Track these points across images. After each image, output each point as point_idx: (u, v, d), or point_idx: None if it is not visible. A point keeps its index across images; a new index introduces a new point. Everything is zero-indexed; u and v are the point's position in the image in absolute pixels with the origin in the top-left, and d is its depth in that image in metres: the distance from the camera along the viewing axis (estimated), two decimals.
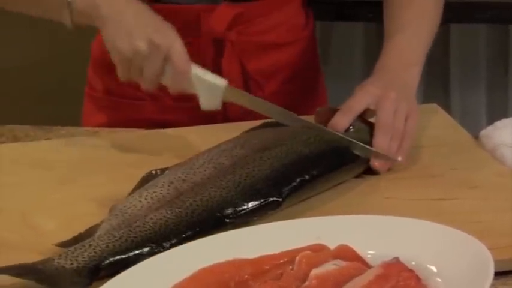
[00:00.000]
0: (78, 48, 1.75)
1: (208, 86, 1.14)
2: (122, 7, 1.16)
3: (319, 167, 1.09)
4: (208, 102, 1.15)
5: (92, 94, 1.49)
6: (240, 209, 1.00)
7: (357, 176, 1.14)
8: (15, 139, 1.34)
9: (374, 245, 0.90)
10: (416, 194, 1.09)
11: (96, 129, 1.38)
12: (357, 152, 1.13)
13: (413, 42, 1.25)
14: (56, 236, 0.99)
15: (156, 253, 0.93)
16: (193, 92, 1.15)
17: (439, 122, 1.31)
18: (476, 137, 1.23)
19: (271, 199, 1.02)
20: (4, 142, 1.32)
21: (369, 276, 0.83)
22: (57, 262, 0.92)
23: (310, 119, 1.20)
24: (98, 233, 0.96)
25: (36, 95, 2.52)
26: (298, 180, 1.06)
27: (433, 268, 0.86)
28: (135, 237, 0.95)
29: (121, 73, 1.16)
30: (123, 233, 0.95)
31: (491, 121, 1.24)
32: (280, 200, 1.03)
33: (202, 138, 1.23)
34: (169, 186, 1.03)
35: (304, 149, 1.11)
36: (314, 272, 0.84)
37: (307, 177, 1.07)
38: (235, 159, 1.07)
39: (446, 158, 1.18)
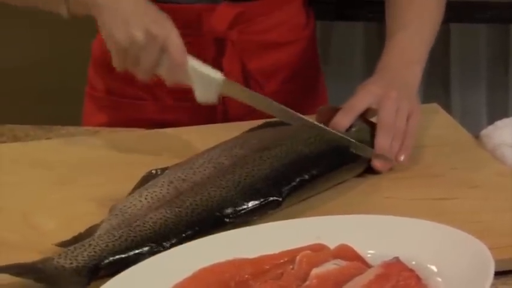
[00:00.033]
0: (78, 48, 1.75)
1: (205, 78, 1.13)
2: None
3: (319, 166, 1.09)
4: (204, 95, 1.14)
5: (93, 94, 1.49)
6: (240, 208, 1.00)
7: (358, 175, 1.14)
8: (16, 139, 1.34)
9: (374, 244, 0.90)
10: (417, 194, 1.09)
11: (97, 129, 1.38)
12: (358, 152, 1.13)
13: (415, 40, 1.25)
14: (56, 235, 0.99)
15: (155, 253, 0.93)
16: (189, 84, 1.14)
17: (439, 121, 1.31)
18: (476, 136, 1.23)
19: (271, 199, 1.02)
20: (4, 142, 1.32)
21: (369, 275, 0.83)
22: (57, 261, 0.92)
23: (310, 118, 1.20)
24: (98, 232, 0.96)
25: (36, 95, 2.53)
26: (298, 179, 1.06)
27: (434, 268, 0.86)
28: (135, 236, 0.95)
29: (116, 62, 1.15)
30: (122, 232, 0.95)
31: (491, 121, 1.24)
32: (280, 199, 1.03)
33: (203, 138, 1.22)
34: (169, 185, 1.03)
35: (304, 148, 1.10)
36: (314, 271, 0.84)
37: (307, 176, 1.07)
38: (235, 159, 1.07)
39: (446, 157, 1.18)
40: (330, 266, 0.85)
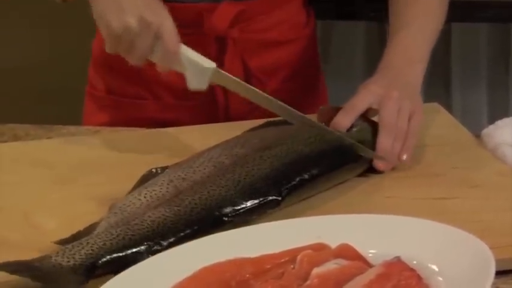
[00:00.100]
0: (78, 48, 1.75)
1: (197, 66, 1.13)
2: None
3: (320, 166, 1.09)
4: (196, 82, 1.13)
5: (93, 93, 1.49)
6: (239, 207, 1.00)
7: (360, 175, 1.14)
8: (16, 138, 1.34)
9: (375, 244, 0.90)
10: (418, 193, 1.09)
11: (97, 128, 1.38)
12: (359, 153, 1.13)
13: (418, 39, 1.25)
14: (57, 235, 0.99)
15: (154, 251, 0.93)
16: (181, 70, 1.14)
17: (440, 121, 1.31)
18: (477, 136, 1.23)
19: (270, 198, 1.02)
20: (5, 141, 1.32)
21: (370, 275, 0.83)
22: (55, 259, 0.91)
23: (310, 117, 1.19)
24: (97, 230, 0.96)
25: (36, 95, 2.53)
26: (297, 179, 1.06)
27: (434, 267, 0.85)
28: (133, 235, 0.95)
29: (109, 47, 1.14)
30: (121, 231, 0.95)
31: (492, 120, 1.24)
32: (280, 199, 1.03)
33: (204, 137, 1.22)
34: (168, 184, 1.03)
35: (304, 148, 1.10)
36: (315, 271, 0.84)
37: (307, 176, 1.07)
38: (235, 158, 1.07)
39: (447, 157, 1.18)
40: (331, 265, 0.85)
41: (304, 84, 1.49)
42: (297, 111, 1.13)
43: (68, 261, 0.91)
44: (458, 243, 0.87)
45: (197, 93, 1.16)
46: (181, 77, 1.14)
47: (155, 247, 0.94)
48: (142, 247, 0.94)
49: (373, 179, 1.13)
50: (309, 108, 1.31)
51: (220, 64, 1.35)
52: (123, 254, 0.93)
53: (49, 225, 1.04)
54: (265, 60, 1.42)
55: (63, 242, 0.96)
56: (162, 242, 0.94)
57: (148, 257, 0.92)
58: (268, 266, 0.89)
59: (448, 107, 1.69)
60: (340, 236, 0.90)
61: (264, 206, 1.01)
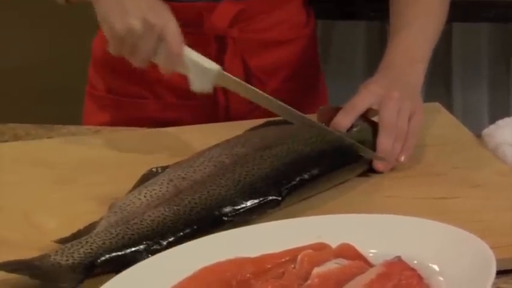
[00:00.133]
0: (78, 47, 1.75)
1: (201, 68, 1.13)
2: None
3: (320, 166, 1.09)
4: (199, 84, 1.13)
5: (94, 93, 1.49)
6: (239, 207, 1.00)
7: (361, 175, 1.14)
8: (17, 138, 1.34)
9: (376, 243, 0.90)
10: (418, 193, 1.09)
11: (98, 128, 1.38)
12: (359, 153, 1.13)
13: (419, 38, 1.25)
14: (57, 234, 0.99)
15: (153, 251, 0.93)
16: (184, 72, 1.13)
17: (441, 121, 1.30)
18: (478, 135, 1.23)
19: (270, 198, 1.02)
20: (5, 141, 1.32)
21: (371, 275, 0.83)
22: (54, 258, 0.91)
23: (310, 117, 1.19)
24: (96, 230, 0.96)
25: (37, 95, 2.53)
26: (298, 179, 1.06)
27: (435, 267, 0.85)
28: (132, 234, 0.95)
29: (112, 49, 1.14)
30: (120, 230, 0.95)
31: (493, 120, 1.24)
32: (279, 198, 1.03)
33: (204, 137, 1.22)
34: (168, 184, 1.03)
35: (305, 148, 1.10)
36: (316, 270, 0.84)
37: (307, 176, 1.07)
38: (236, 157, 1.07)
39: (448, 156, 1.18)
40: (332, 265, 0.85)
41: (304, 84, 1.49)
42: (297, 111, 1.13)
43: (67, 260, 0.91)
44: (459, 242, 0.87)
45: (198, 93, 1.16)
46: (182, 76, 1.14)
47: (154, 246, 0.94)
48: (142, 246, 0.94)
49: (374, 179, 1.13)
50: (309, 108, 1.30)
51: (221, 64, 1.35)
52: (122, 253, 0.93)
53: (49, 225, 1.04)
54: (265, 60, 1.42)
55: (63, 241, 0.96)
56: (161, 241, 0.94)
57: (147, 256, 0.92)
58: (269, 266, 0.89)
59: (449, 107, 1.69)
60: (341, 235, 0.90)
61: (264, 206, 1.01)
